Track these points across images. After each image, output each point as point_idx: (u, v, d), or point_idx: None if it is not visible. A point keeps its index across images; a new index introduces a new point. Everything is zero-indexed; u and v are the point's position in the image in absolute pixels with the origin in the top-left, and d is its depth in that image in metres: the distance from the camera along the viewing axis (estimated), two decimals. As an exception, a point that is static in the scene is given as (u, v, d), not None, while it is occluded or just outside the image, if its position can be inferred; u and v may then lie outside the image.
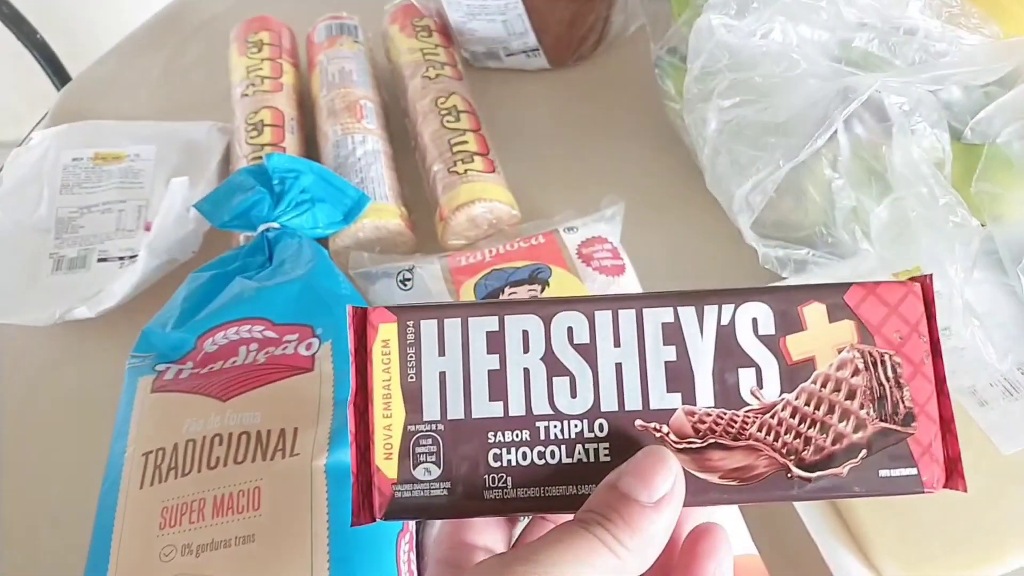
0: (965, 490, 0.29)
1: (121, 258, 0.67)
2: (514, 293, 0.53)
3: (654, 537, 0.26)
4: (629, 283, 0.55)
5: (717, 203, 0.59)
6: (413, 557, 0.45)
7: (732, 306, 0.30)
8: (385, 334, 0.30)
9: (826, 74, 0.50)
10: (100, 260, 0.67)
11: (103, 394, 0.56)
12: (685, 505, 0.27)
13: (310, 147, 0.72)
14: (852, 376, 0.29)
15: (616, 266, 0.55)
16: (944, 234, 0.45)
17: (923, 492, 0.29)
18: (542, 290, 0.53)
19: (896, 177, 0.46)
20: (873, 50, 0.52)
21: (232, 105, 0.74)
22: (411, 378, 0.30)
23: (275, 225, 0.58)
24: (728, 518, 0.45)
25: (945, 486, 0.29)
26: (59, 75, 1.08)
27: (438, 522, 0.31)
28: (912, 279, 0.31)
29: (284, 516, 0.41)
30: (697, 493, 0.28)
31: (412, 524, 0.46)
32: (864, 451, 0.29)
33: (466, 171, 0.63)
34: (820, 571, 0.44)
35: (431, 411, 0.29)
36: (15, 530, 0.54)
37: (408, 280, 0.57)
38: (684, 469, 0.28)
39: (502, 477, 0.29)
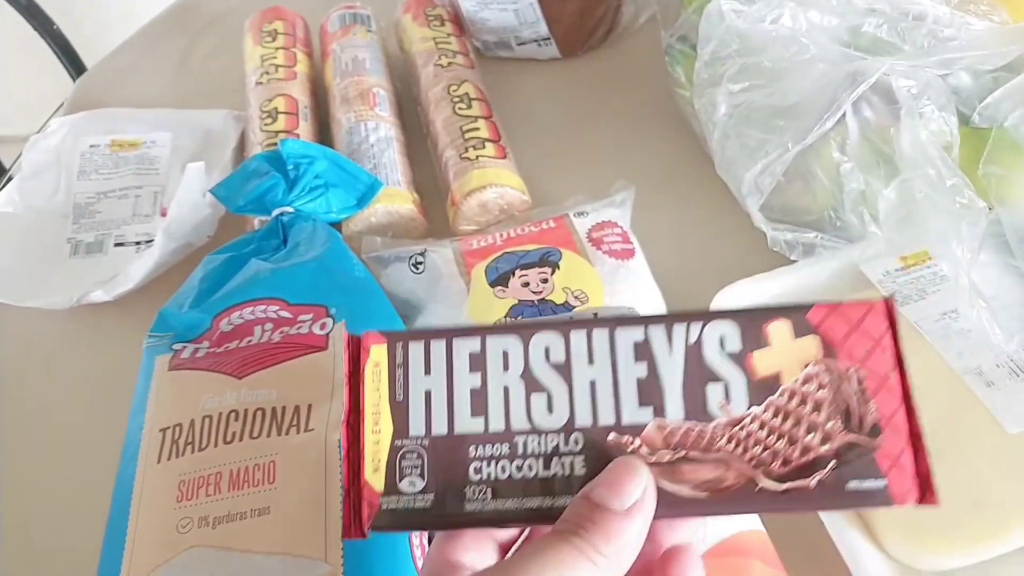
0: (937, 504, 0.29)
1: (137, 243, 0.68)
2: (524, 276, 0.54)
3: (628, 543, 0.27)
4: (639, 267, 0.56)
5: (726, 189, 0.60)
6: (425, 539, 0.45)
7: (700, 324, 0.31)
8: (376, 356, 0.32)
9: (835, 59, 0.50)
10: (117, 245, 0.68)
11: (120, 375, 0.57)
12: (657, 517, 0.28)
13: (323, 135, 0.73)
14: (818, 390, 0.30)
15: (626, 250, 0.56)
16: (951, 215, 0.45)
17: (892, 505, 0.29)
18: (552, 273, 0.53)
19: (904, 159, 0.47)
20: (882, 35, 0.53)
21: (246, 93, 0.75)
22: (399, 397, 0.31)
23: (289, 210, 0.59)
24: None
25: (919, 502, 0.29)
26: (75, 66, 1.09)
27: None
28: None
29: (299, 489, 0.42)
30: (669, 506, 0.29)
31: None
32: (832, 462, 0.29)
33: (478, 157, 0.64)
34: (826, 547, 0.44)
35: (416, 427, 0.31)
36: (35, 509, 0.55)
37: (420, 264, 0.58)
38: (657, 482, 0.29)
39: (482, 489, 0.30)
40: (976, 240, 0.45)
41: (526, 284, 0.53)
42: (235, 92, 0.77)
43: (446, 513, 0.30)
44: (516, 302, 0.52)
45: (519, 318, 0.51)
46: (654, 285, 0.56)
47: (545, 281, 0.53)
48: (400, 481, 0.31)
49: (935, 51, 0.50)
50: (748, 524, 0.43)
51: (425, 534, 0.45)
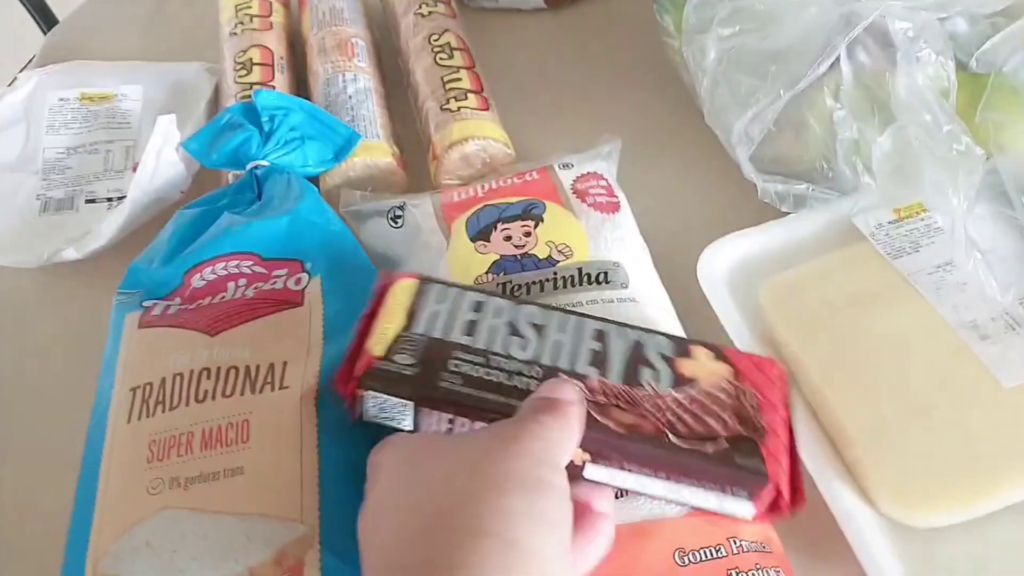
0: (804, 510, 0.38)
1: (109, 199, 0.66)
2: (507, 229, 0.52)
3: (567, 415, 0.35)
4: (624, 220, 0.54)
5: (716, 141, 0.58)
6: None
7: (646, 334, 0.42)
8: (407, 283, 0.44)
9: (828, 1, 0.48)
10: (88, 201, 0.66)
11: (91, 334, 0.55)
12: (585, 438, 0.36)
13: (300, 89, 0.71)
14: (724, 396, 0.39)
15: (611, 203, 0.54)
16: (947, 163, 0.44)
17: (767, 487, 0.37)
18: (536, 226, 0.52)
19: (899, 105, 0.45)
20: (877, -24, 0.51)
21: (220, 44, 0.72)
22: (414, 307, 0.43)
23: (264, 163, 0.57)
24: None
25: (792, 503, 0.38)
26: (45, 19, 1.06)
27: None
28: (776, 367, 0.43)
29: (274, 448, 0.41)
30: (595, 430, 0.37)
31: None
32: (725, 443, 0.37)
33: (459, 108, 0.62)
34: (817, 507, 0.43)
35: (419, 327, 0.42)
36: (3, 469, 0.54)
37: (399, 217, 0.56)
38: (589, 411, 0.37)
39: (456, 377, 0.39)
40: (973, 189, 0.44)
41: (508, 238, 0.51)
42: (210, 44, 0.75)
43: (424, 384, 0.39)
44: (498, 257, 0.50)
45: (503, 274, 0.49)
46: (640, 240, 0.54)
47: (528, 234, 0.51)
48: (395, 355, 0.40)
49: (932, -8, 0.48)
50: (672, 512, 0.41)
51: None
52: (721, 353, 0.42)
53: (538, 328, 0.42)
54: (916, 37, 0.47)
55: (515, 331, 0.42)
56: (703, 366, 0.41)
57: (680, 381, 0.40)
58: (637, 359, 0.41)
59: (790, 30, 0.47)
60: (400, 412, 0.39)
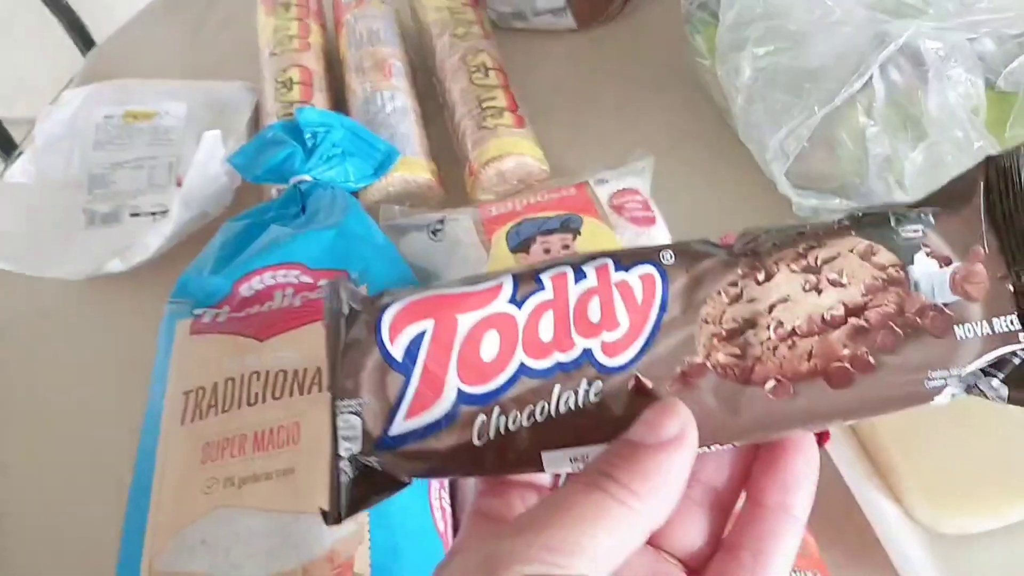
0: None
1: (153, 213, 0.67)
2: (546, 242, 0.53)
3: (665, 480, 0.23)
4: (660, 234, 0.55)
5: (749, 158, 0.59)
6: (445, 494, 0.45)
7: None
8: None
9: (860, 21, 0.49)
10: (132, 215, 0.68)
11: (136, 345, 0.57)
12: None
13: (338, 107, 0.72)
14: None
15: (647, 217, 0.56)
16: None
17: None
18: (574, 239, 0.53)
19: (931, 122, 0.46)
20: (907, -1, 0.52)
21: (260, 65, 0.74)
22: None
23: (307, 178, 0.59)
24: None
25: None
26: (84, 41, 1.09)
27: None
28: None
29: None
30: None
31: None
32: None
33: (496, 126, 0.64)
34: (852, 511, 0.44)
35: None
36: (51, 480, 0.55)
37: (439, 231, 0.57)
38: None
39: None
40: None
41: (548, 251, 0.53)
42: (246, 64, 0.77)
43: None
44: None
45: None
46: (675, 253, 0.55)
47: (567, 247, 0.53)
48: None
49: (961, 13, 0.49)
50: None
51: (445, 486, 0.45)
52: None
53: None
54: (947, 56, 0.48)
55: None
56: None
57: None
58: None
59: (824, 49, 0.49)
60: None
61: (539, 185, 0.63)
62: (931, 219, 0.26)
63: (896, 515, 0.44)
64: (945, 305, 0.25)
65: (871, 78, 0.48)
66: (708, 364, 0.25)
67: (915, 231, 0.26)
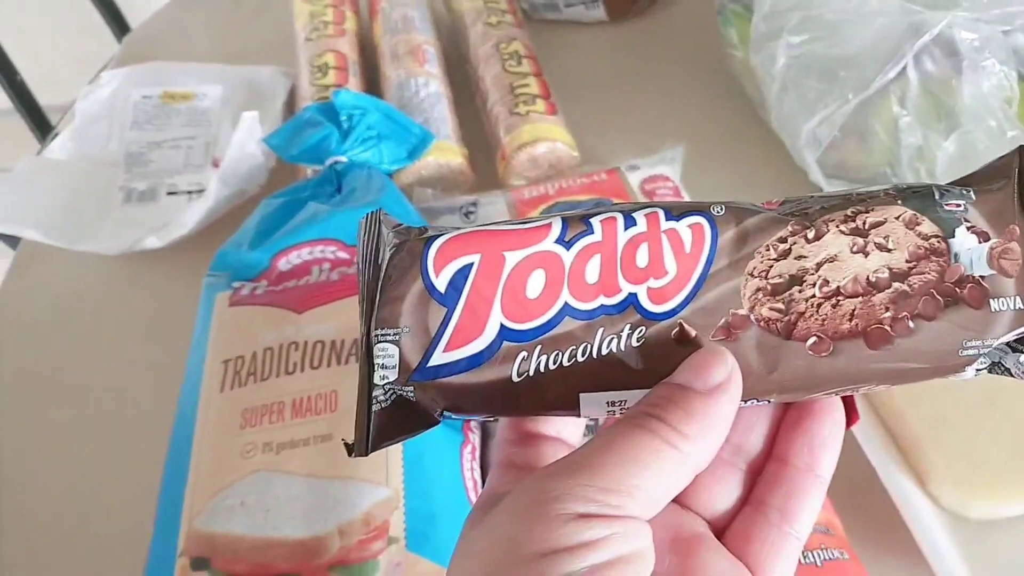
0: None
1: (189, 192, 0.69)
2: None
3: (713, 423, 0.24)
4: (690, 220, 0.56)
5: (780, 148, 0.60)
6: (476, 466, 0.46)
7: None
8: None
9: (895, 11, 0.50)
10: (169, 194, 0.69)
11: (171, 319, 0.58)
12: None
13: (372, 92, 0.73)
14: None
15: (678, 203, 0.56)
16: (1012, 168, 0.45)
17: None
18: (606, 222, 0.54)
19: (965, 111, 0.47)
20: (941, -10, 0.53)
21: (296, 50, 0.75)
22: None
23: (343, 159, 0.60)
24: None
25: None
26: (120, 27, 1.10)
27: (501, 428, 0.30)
28: None
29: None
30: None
31: (474, 437, 0.47)
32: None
33: (528, 112, 0.65)
34: (878, 494, 0.45)
35: None
36: (90, 447, 0.56)
37: (472, 214, 0.58)
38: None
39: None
40: (1036, 192, 0.45)
41: (580, 233, 0.53)
42: (281, 49, 0.78)
43: None
44: (569, 251, 0.52)
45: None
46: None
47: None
48: None
49: (996, 5, 0.49)
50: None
51: (476, 457, 0.46)
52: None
53: None
54: (981, 48, 0.48)
55: None
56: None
57: None
58: None
59: (859, 38, 0.49)
60: None
61: (569, 171, 0.64)
62: (972, 195, 0.27)
63: (922, 499, 0.45)
64: (982, 278, 0.26)
65: (905, 68, 0.49)
66: (752, 317, 0.25)
67: (957, 205, 0.26)
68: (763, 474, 0.28)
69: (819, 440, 0.27)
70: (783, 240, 0.26)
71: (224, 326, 0.50)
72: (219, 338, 0.49)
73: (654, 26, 0.79)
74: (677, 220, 0.25)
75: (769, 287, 0.25)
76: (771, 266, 0.26)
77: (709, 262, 0.25)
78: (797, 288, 0.25)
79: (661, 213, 0.26)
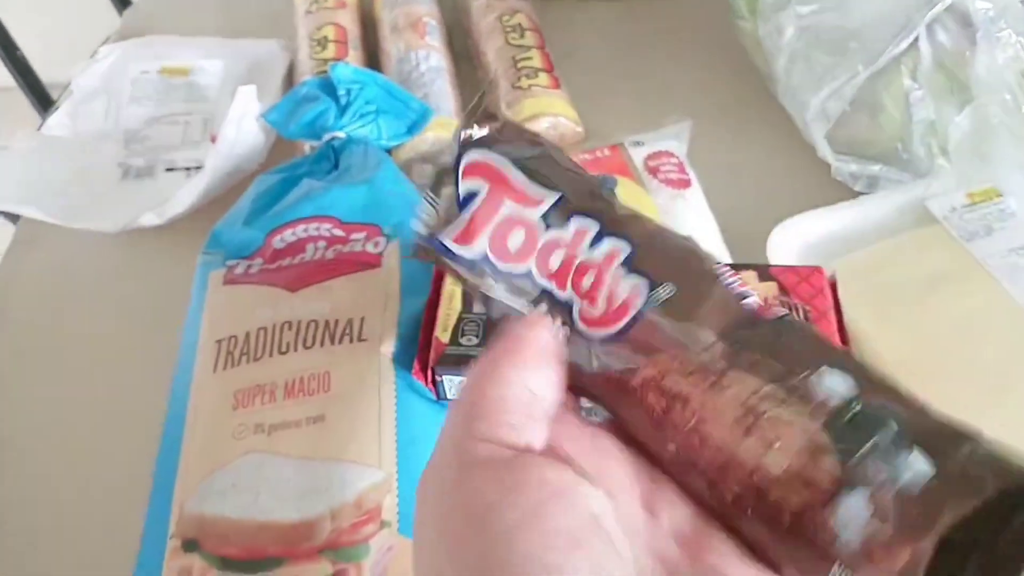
0: None
1: (187, 168, 0.68)
2: (579, 202, 0.53)
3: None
4: (695, 197, 0.55)
5: (787, 122, 0.59)
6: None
7: None
8: None
9: (908, -19, 0.48)
10: (167, 170, 0.68)
11: (168, 297, 0.57)
12: None
13: (372, 66, 0.72)
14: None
15: (682, 180, 0.55)
16: (1026, 142, 0.44)
17: None
18: (608, 199, 0.53)
19: (979, 84, 0.45)
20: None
21: (295, 22, 0.74)
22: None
23: (340, 135, 0.58)
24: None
25: None
26: (123, 1, 1.08)
27: None
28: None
29: (353, 397, 0.42)
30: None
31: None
32: None
33: (530, 86, 0.63)
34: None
35: (478, 308, 0.43)
36: (84, 424, 0.56)
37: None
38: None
39: None
40: (1051, 168, 0.44)
41: (581, 210, 0.52)
42: (280, 22, 0.77)
43: None
44: (570, 228, 0.51)
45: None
46: (711, 217, 0.55)
47: (601, 207, 0.52)
48: (461, 338, 0.43)
49: (1013, -25, 0.48)
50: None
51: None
52: (766, 272, 0.43)
53: None
54: (996, 18, 0.47)
55: None
56: (752, 286, 0.41)
57: None
58: None
59: (870, 8, 0.48)
60: None
61: (573, 147, 0.63)
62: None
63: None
64: (846, 543, 0.22)
65: (917, 39, 0.47)
66: (639, 391, 0.26)
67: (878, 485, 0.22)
68: None
69: None
70: (693, 362, 0.25)
71: (218, 305, 0.49)
72: (212, 318, 0.48)
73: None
74: (627, 274, 0.27)
75: (660, 386, 0.25)
76: (669, 372, 0.25)
77: (627, 327, 0.26)
78: (679, 406, 0.25)
79: (621, 255, 0.27)
